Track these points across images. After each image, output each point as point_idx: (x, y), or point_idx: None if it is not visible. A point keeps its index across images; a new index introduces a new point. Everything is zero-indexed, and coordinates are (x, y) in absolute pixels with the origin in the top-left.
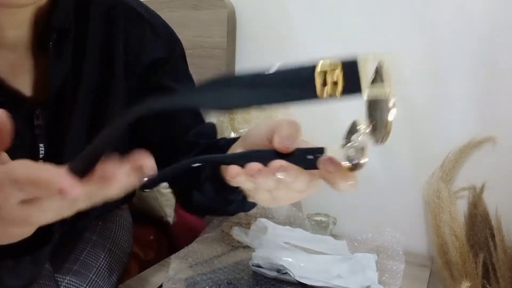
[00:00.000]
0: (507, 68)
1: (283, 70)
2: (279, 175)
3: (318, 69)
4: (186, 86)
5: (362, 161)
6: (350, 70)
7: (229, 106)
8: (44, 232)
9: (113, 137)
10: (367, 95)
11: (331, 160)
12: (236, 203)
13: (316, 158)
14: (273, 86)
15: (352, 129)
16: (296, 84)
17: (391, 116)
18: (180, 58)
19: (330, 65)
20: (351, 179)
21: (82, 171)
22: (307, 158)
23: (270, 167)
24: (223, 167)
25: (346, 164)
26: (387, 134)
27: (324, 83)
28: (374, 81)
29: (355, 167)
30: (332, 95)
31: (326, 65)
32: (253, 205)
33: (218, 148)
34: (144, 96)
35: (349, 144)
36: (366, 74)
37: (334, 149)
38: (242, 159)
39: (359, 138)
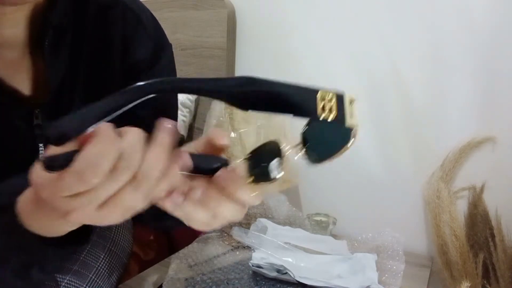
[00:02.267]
0: (507, 68)
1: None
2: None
3: (319, 95)
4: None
5: (277, 176)
6: (340, 103)
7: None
8: (81, 231)
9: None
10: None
11: (229, 173)
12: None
13: (220, 167)
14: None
15: (269, 147)
16: (301, 101)
17: (350, 144)
18: (167, 64)
19: (328, 94)
20: (254, 191)
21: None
22: (212, 167)
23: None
24: None
25: (247, 176)
26: (338, 156)
27: (322, 108)
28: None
29: (258, 180)
30: (326, 118)
31: (325, 94)
32: None
33: None
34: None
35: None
36: (348, 108)
37: (238, 162)
38: None
39: (288, 156)
